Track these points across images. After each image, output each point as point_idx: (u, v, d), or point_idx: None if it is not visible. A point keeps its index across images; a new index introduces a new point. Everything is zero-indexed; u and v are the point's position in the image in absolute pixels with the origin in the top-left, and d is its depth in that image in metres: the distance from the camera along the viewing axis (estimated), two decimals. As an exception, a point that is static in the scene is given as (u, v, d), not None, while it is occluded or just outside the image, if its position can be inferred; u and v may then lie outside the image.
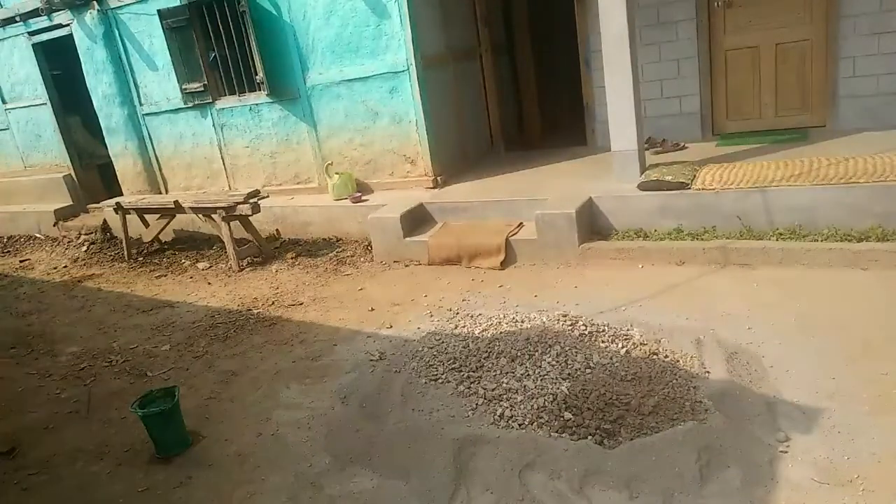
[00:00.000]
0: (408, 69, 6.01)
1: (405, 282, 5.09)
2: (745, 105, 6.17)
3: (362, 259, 5.75)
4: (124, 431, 3.50)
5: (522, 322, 3.91)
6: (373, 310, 4.61)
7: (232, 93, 7.06)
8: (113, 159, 8.19)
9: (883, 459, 2.43)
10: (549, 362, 3.33)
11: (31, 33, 8.28)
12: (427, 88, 6.09)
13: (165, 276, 6.21)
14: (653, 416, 2.82)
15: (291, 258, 6.05)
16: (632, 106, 5.04)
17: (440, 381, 3.39)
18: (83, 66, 7.84)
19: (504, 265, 4.99)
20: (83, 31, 7.64)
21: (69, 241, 7.97)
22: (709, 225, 4.69)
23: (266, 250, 6.26)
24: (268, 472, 2.97)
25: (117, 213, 6.93)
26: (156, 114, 7.68)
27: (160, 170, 8.01)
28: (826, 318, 3.50)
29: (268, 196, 6.70)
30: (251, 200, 5.99)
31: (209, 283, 5.79)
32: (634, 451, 2.62)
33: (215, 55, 6.98)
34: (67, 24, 7.87)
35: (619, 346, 3.48)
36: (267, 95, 6.79)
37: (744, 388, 2.96)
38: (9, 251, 8.26)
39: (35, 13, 8.02)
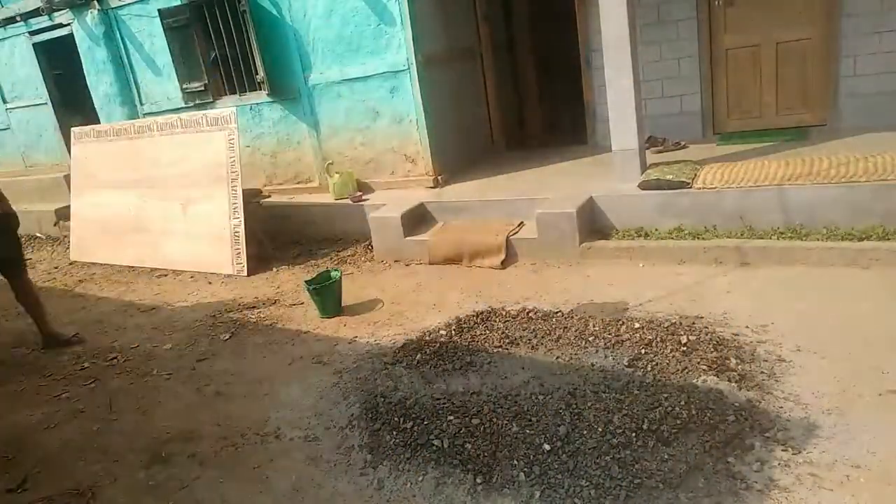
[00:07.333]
0: (408, 68, 6.01)
1: (406, 281, 5.09)
2: (745, 104, 6.16)
3: (363, 258, 5.75)
4: (126, 431, 3.51)
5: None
6: (374, 309, 4.61)
7: (232, 92, 7.06)
8: (114, 159, 8.20)
9: (884, 458, 2.43)
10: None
11: (32, 33, 8.29)
12: (427, 88, 6.09)
13: (166, 275, 6.21)
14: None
15: (292, 258, 6.05)
16: (632, 105, 5.04)
17: (441, 379, 3.39)
18: (84, 65, 7.85)
19: (505, 264, 4.99)
20: (84, 31, 7.65)
21: (70, 241, 7.95)
22: (710, 224, 4.69)
23: (267, 250, 6.26)
24: (269, 471, 2.97)
25: (118, 213, 6.92)
26: (156, 113, 7.66)
27: (161, 169, 8.01)
28: (827, 317, 3.50)
29: (269, 195, 6.71)
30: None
31: (210, 283, 5.79)
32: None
33: (216, 55, 6.98)
34: (68, 24, 7.88)
35: (622, 349, 3.47)
36: (267, 95, 6.79)
37: (745, 387, 2.96)
38: (10, 251, 8.24)
39: (36, 13, 8.03)
